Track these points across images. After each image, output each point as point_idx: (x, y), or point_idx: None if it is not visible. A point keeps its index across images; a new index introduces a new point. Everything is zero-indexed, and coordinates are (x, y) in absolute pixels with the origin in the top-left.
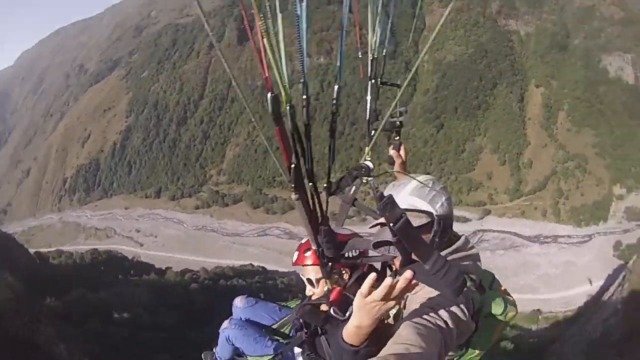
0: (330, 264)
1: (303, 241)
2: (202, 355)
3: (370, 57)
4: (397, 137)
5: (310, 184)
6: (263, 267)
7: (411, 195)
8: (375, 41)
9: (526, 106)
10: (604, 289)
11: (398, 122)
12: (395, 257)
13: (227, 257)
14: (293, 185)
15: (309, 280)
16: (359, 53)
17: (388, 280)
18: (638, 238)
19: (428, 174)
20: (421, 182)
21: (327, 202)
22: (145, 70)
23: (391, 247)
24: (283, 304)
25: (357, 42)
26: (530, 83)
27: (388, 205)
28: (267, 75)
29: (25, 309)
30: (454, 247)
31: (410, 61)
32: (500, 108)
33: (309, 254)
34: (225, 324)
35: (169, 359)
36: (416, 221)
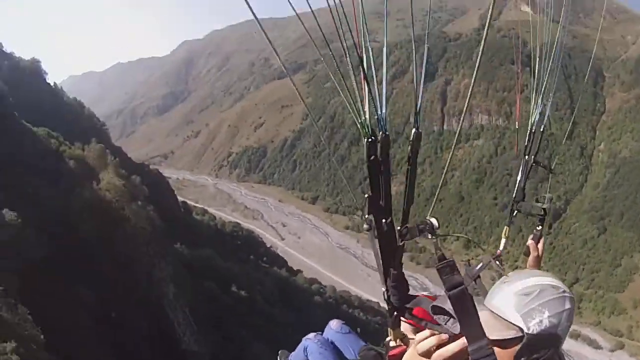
0: (395, 313)
1: None
2: (279, 352)
3: (527, 131)
4: (540, 227)
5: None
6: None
7: (508, 299)
8: (536, 116)
9: None
10: None
11: (541, 209)
12: (454, 335)
13: (358, 286)
14: (366, 215)
15: None
16: (517, 124)
17: (444, 336)
18: None
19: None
20: (527, 287)
21: (403, 246)
22: (328, 82)
23: (451, 319)
24: (373, 347)
25: (516, 115)
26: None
27: (447, 268)
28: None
29: (154, 243)
30: None
31: (587, 146)
32: None
33: None
34: (311, 335)
35: (262, 349)
36: (500, 333)
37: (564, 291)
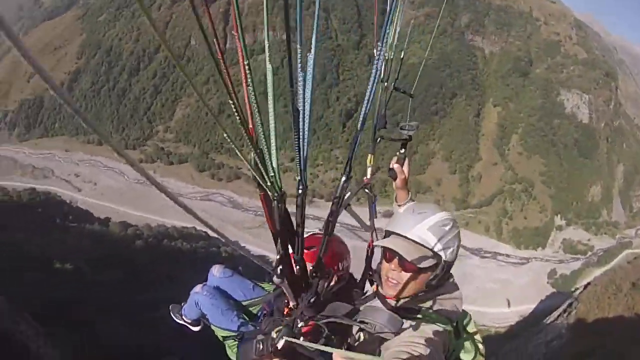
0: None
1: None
2: (170, 307)
3: (381, 58)
4: (403, 151)
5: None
6: (206, 233)
7: (429, 230)
8: (392, 41)
9: (482, 122)
10: (542, 312)
11: (407, 135)
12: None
13: (169, 216)
14: (277, 272)
15: None
16: (375, 50)
17: None
18: (572, 271)
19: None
20: (442, 220)
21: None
22: (103, 14)
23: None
24: (258, 283)
25: (374, 37)
26: (489, 101)
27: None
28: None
29: None
30: (442, 289)
31: (373, 55)
32: (456, 119)
33: (312, 250)
34: (198, 288)
35: (115, 320)
36: (423, 261)
37: (457, 223)
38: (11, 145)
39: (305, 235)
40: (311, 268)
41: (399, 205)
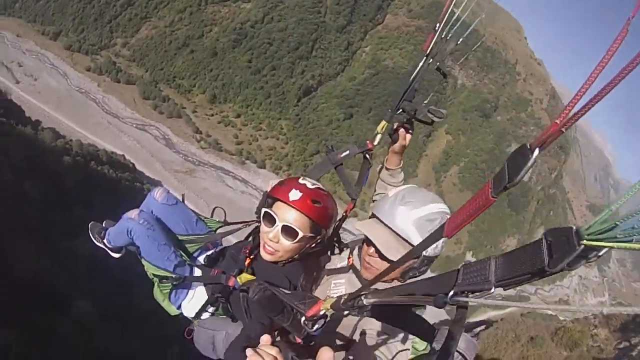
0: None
1: (304, 182)
2: (89, 225)
3: (439, 36)
4: (412, 125)
5: None
6: (133, 164)
7: (413, 224)
8: (453, 24)
9: (429, 143)
10: None
11: (430, 119)
12: None
13: (101, 136)
14: None
15: (288, 227)
16: (437, 26)
17: None
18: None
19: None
20: (429, 214)
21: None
22: None
23: None
24: (202, 216)
25: (444, 11)
26: (442, 127)
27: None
28: None
29: None
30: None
31: (353, 43)
32: None
33: (318, 205)
34: (134, 214)
35: (28, 245)
36: (400, 256)
37: (448, 216)
38: None
39: (310, 185)
40: (313, 223)
41: (387, 169)
